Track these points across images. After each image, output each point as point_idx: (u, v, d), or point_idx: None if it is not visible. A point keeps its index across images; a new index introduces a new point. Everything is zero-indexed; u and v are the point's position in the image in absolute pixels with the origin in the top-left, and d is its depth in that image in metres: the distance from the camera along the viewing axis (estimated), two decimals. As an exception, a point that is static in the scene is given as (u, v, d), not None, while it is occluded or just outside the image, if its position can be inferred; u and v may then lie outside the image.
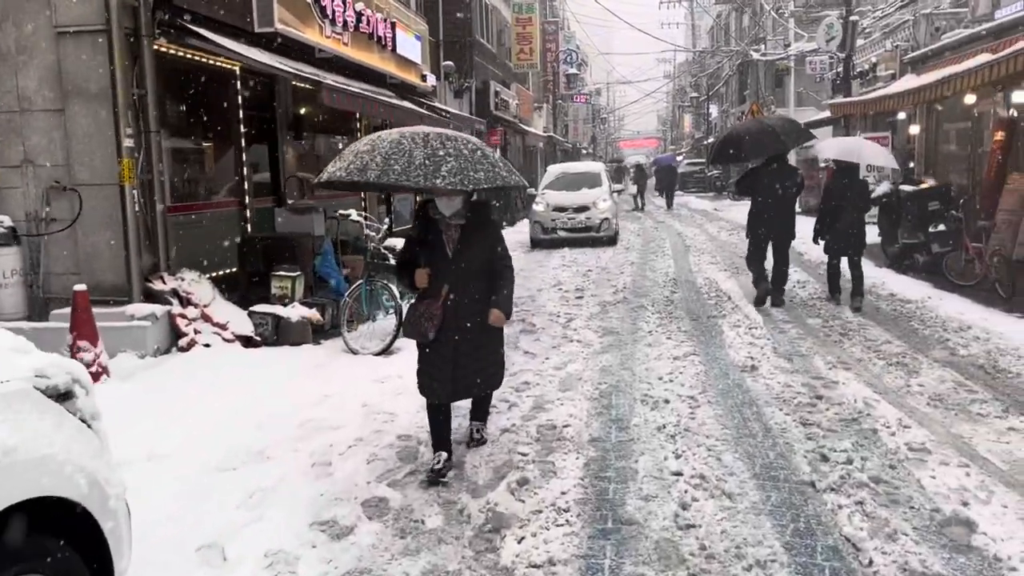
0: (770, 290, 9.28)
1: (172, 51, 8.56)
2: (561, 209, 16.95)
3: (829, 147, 10.53)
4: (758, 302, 9.28)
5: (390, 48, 13.99)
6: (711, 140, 49.37)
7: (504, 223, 23.33)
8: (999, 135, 11.34)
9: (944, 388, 5.93)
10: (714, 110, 51.00)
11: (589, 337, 8.07)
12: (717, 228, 20.71)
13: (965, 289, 9.69)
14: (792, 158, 26.85)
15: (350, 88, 10.92)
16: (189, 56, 8.89)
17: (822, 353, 7.08)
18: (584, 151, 62.46)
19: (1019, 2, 12.26)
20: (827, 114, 26.32)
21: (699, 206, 31.14)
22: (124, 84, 7.46)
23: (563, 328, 8.57)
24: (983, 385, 5.98)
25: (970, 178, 13.58)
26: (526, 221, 18.20)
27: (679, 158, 59.62)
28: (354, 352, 7.69)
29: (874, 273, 10.98)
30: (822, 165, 25.73)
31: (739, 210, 28.20)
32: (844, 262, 9.34)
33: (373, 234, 7.75)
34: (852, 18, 17.82)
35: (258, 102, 10.60)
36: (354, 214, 7.69)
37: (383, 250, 7.72)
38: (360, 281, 7.77)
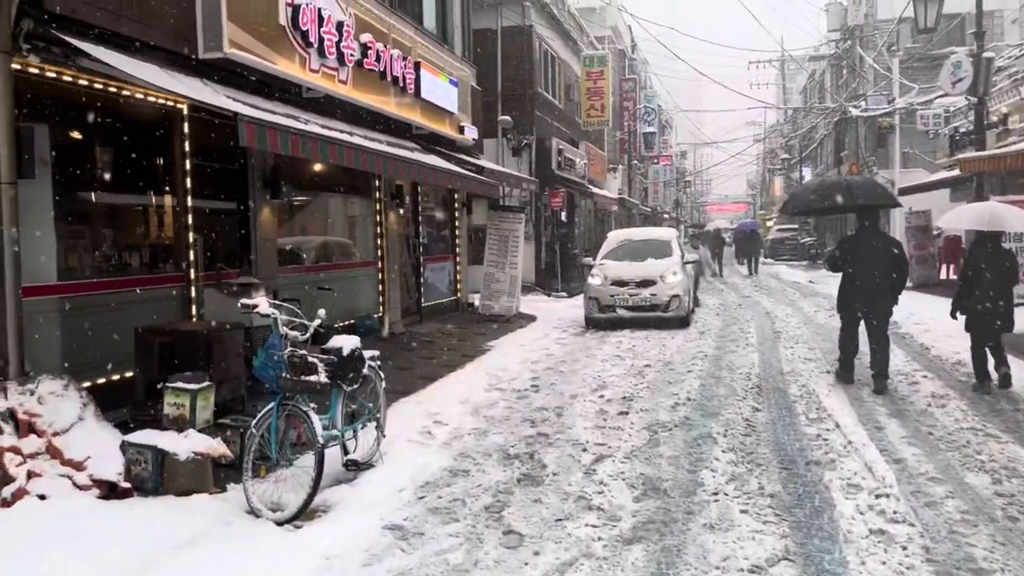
0: (853, 379, 8.71)
1: (66, 77, 6.35)
2: (621, 283, 14.17)
3: (962, 215, 9.65)
4: (841, 379, 8.76)
5: (412, 92, 11.70)
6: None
7: (558, 290, 20.63)
8: None
9: None
10: (807, 173, 47.48)
11: (619, 500, 5.22)
12: (813, 307, 17.47)
13: None
14: (899, 227, 23.42)
15: (338, 137, 8.56)
16: (98, 86, 6.66)
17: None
18: (666, 215, 59.50)
19: None
20: (941, 175, 22.93)
21: (791, 277, 27.75)
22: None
23: (583, 476, 5.74)
24: None
25: None
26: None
27: (768, 223, 56.03)
28: (255, 514, 5.07)
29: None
30: (935, 234, 22.31)
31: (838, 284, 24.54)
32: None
33: (296, 333, 5.23)
34: (986, 54, 14.65)
35: (219, 151, 8.33)
36: (264, 305, 5.17)
37: (309, 358, 5.15)
38: (269, 405, 5.18)
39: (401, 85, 11.30)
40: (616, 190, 34.24)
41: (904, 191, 22.21)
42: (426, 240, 14.74)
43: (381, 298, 12.55)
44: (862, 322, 8.54)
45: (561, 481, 5.65)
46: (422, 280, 14.22)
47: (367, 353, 6.08)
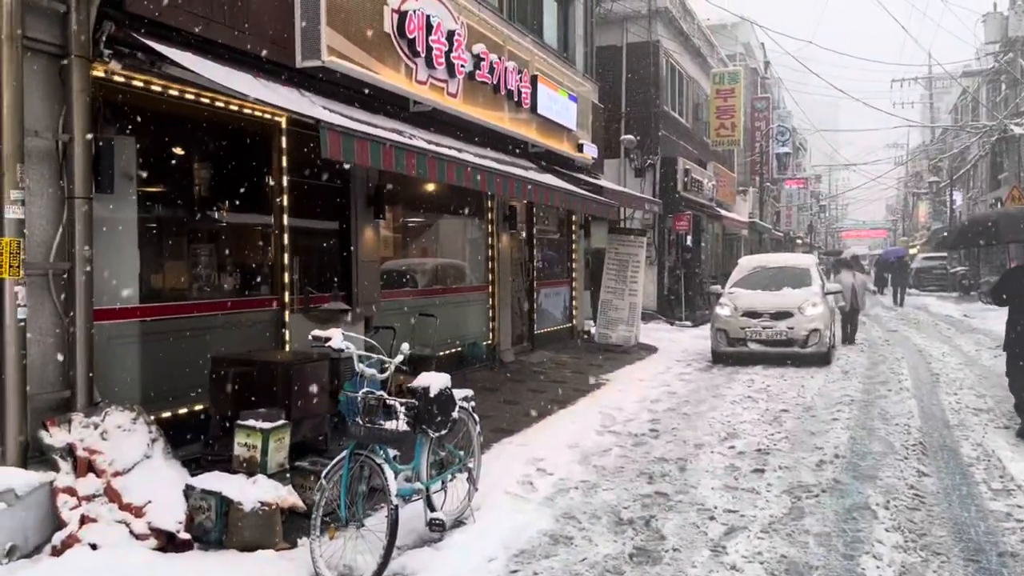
0: None
1: (154, 87, 5.97)
2: (753, 315, 12.90)
3: None
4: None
5: (527, 107, 11.00)
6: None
7: (682, 319, 19.37)
8: None
9: None
10: (958, 197, 43.90)
11: (756, 593, 4.20)
12: (973, 345, 15.53)
13: None
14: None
15: (440, 151, 7.91)
16: (189, 97, 6.26)
17: None
18: (799, 241, 56.57)
19: None
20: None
21: (941, 310, 25.28)
22: (12, 119, 4.82)
23: (711, 556, 4.73)
24: None
25: None
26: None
27: (912, 250, 52.27)
28: (320, 582, 4.36)
29: None
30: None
31: (1000, 317, 21.90)
32: None
33: (373, 371, 4.50)
34: None
35: (319, 167, 7.85)
36: (337, 338, 4.44)
37: (388, 401, 4.40)
38: (342, 455, 4.46)
39: (516, 100, 10.62)
40: (746, 213, 32.53)
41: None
42: (540, 264, 13.98)
43: (491, 324, 11.85)
44: None
45: (683, 561, 4.66)
46: (535, 306, 13.44)
47: (459, 393, 5.30)
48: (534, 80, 11.13)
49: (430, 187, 10.34)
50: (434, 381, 4.99)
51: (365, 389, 4.51)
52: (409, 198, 10.02)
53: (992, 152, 37.07)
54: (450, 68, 8.84)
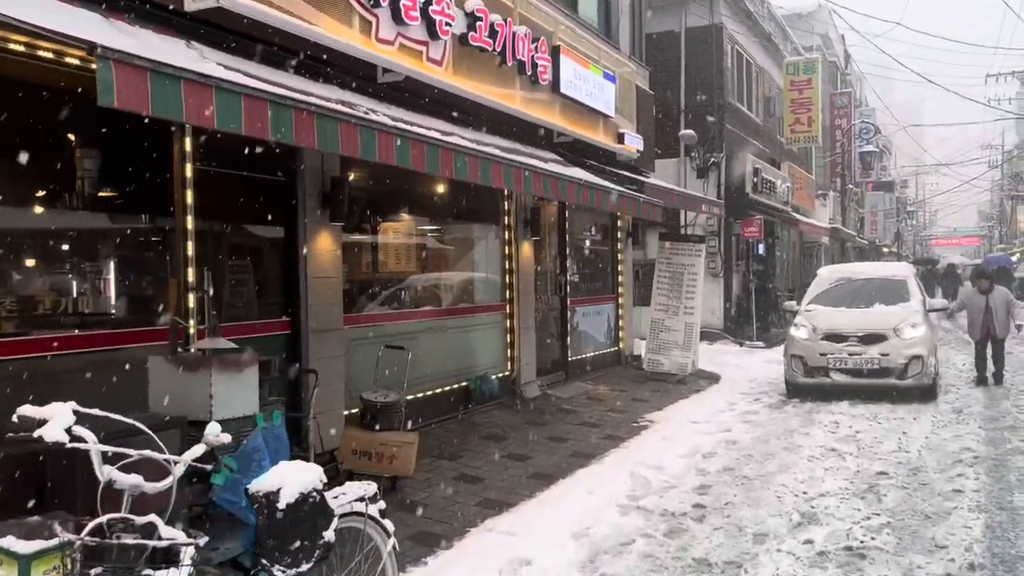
0: None
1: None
2: (837, 338, 10.45)
3: None
4: None
5: (546, 83, 8.91)
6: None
7: (753, 339, 16.84)
8: None
9: None
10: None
11: None
12: (1115, 371, 12.67)
13: None
14: None
15: (408, 129, 5.89)
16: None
17: None
18: (885, 250, 52.64)
19: None
20: None
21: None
22: None
23: None
24: None
25: None
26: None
27: (1013, 258, 47.93)
28: None
29: None
30: None
31: None
32: None
33: (139, 479, 2.53)
34: None
35: (251, 154, 5.89)
36: (53, 426, 2.51)
37: (161, 542, 2.40)
38: None
39: (531, 75, 8.53)
40: (826, 219, 29.57)
41: None
42: (576, 277, 11.82)
43: (509, 352, 9.76)
44: None
45: None
46: (569, 328, 11.28)
47: (350, 493, 3.24)
48: (555, 52, 9.04)
49: (422, 185, 8.34)
50: (290, 480, 2.95)
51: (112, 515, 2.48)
52: (390, 197, 8.03)
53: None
54: (430, 26, 6.83)
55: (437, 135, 6.24)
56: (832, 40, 34.24)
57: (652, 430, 8.71)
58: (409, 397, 7.34)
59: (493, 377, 9.03)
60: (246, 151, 5.57)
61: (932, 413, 9.35)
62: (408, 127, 5.88)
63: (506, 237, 9.73)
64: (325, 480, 3.08)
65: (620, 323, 13.09)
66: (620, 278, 13.10)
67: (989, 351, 11.34)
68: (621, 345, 13.10)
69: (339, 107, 5.20)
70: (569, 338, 11.32)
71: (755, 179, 18.39)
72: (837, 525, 5.38)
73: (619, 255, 13.08)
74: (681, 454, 7.53)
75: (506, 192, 9.54)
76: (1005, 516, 5.44)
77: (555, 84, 9.09)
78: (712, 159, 17.80)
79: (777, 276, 22.87)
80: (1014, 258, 48.11)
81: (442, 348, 8.43)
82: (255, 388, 4.37)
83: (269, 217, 6.42)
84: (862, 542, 5.04)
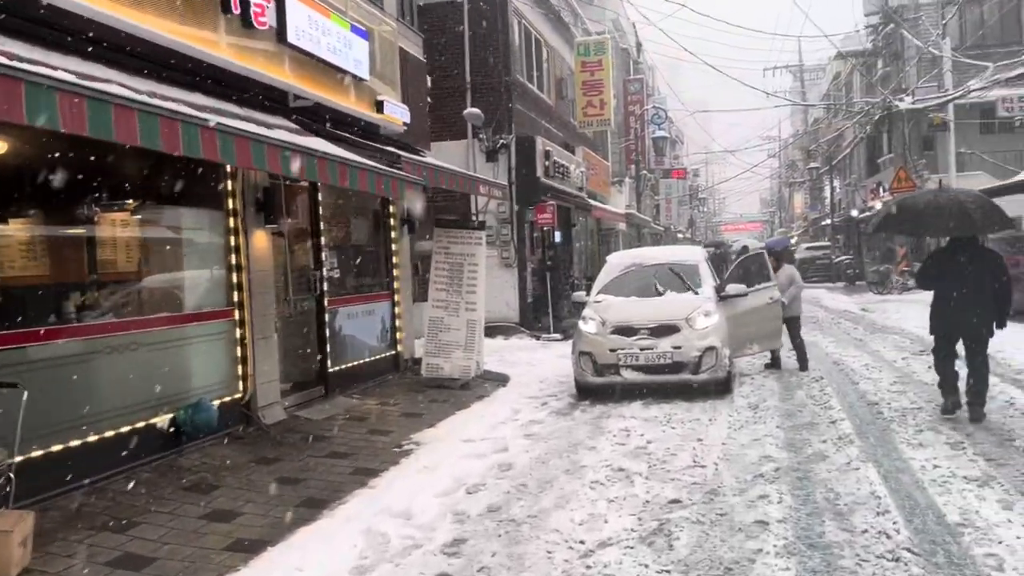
0: (960, 402, 7.56)
1: None
2: (628, 331, 9.40)
3: None
4: (946, 410, 7.57)
5: (269, 30, 7.06)
6: (834, 219, 40.98)
7: (550, 331, 15.78)
8: None
9: None
10: (836, 185, 42.62)
11: None
12: (893, 349, 12.66)
13: None
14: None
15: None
16: None
17: None
18: (680, 235, 54.75)
19: None
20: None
21: (836, 304, 22.89)
22: None
23: None
24: None
25: None
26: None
27: (792, 240, 51.21)
28: None
29: None
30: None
31: (899, 310, 19.68)
32: None
33: None
34: None
35: None
36: None
37: None
38: None
39: (239, 13, 6.65)
40: (623, 206, 29.53)
41: (990, 193, 17.31)
42: (337, 272, 10.04)
43: (241, 368, 7.82)
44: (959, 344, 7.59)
45: None
46: (329, 333, 9.50)
47: None
48: (278, -9, 7.21)
49: (95, 152, 6.21)
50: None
51: None
52: (43, 171, 5.86)
53: (869, 137, 35.66)
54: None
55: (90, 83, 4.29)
56: (624, 28, 34.44)
57: (415, 456, 7.14)
58: (59, 447, 5.34)
59: (212, 403, 7.08)
60: None
61: (728, 411, 8.44)
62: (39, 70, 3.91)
63: (231, 225, 7.77)
64: None
65: (397, 323, 11.46)
66: (395, 272, 11.45)
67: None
68: (399, 348, 11.47)
69: None
70: (329, 345, 9.53)
71: (547, 162, 17.38)
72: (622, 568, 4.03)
73: (393, 245, 11.42)
74: (440, 491, 6.01)
75: (229, 168, 7.60)
76: (818, 560, 4.31)
77: (280, 32, 7.26)
78: (501, 141, 16.58)
79: (575, 264, 22.19)
80: (793, 240, 51.43)
81: (131, 373, 6.38)
82: None
83: None
84: (648, 622, 3.70)
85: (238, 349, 7.82)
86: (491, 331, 16.22)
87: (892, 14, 27.03)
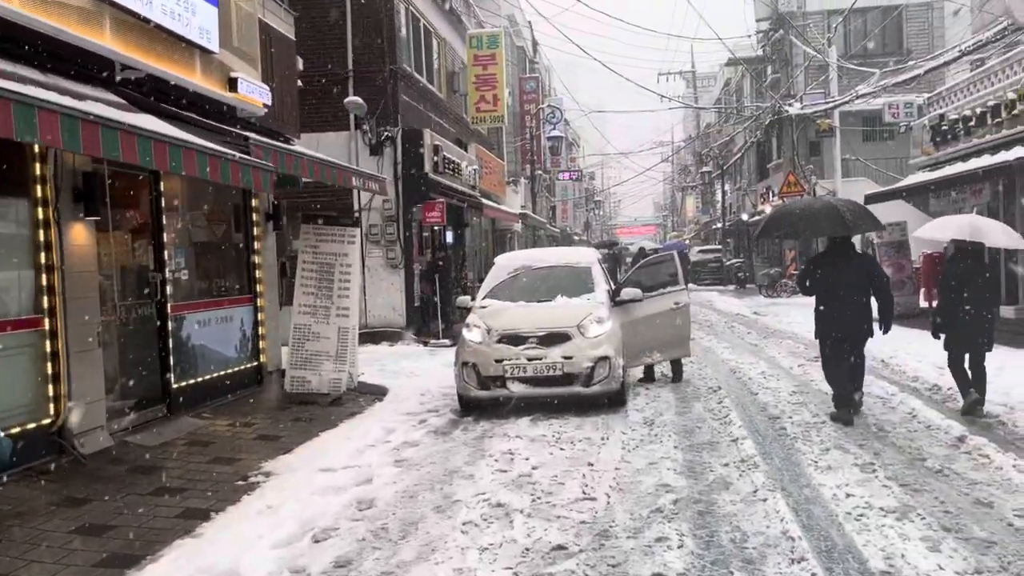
0: (851, 416, 7.46)
1: None
2: (515, 340, 8.55)
3: (948, 225, 8.39)
4: (839, 419, 7.42)
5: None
6: (726, 223, 41.63)
7: (439, 336, 14.80)
8: None
9: None
10: (727, 189, 43.33)
11: None
12: (788, 354, 12.35)
13: None
14: (859, 243, 18.72)
15: None
16: None
17: None
18: (576, 237, 54.73)
19: None
20: (919, 177, 18.36)
21: (728, 307, 22.86)
22: None
23: None
24: None
25: None
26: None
27: (686, 242, 51.96)
28: None
29: None
30: (916, 256, 17.70)
31: (789, 313, 19.69)
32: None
33: None
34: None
35: None
36: None
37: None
38: None
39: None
40: (518, 206, 28.84)
41: (871, 199, 17.46)
42: (185, 274, 8.78)
43: (53, 389, 6.52)
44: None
45: None
46: (173, 343, 8.24)
47: None
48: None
49: None
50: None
51: None
52: None
53: (759, 142, 36.29)
54: None
55: None
56: (520, 25, 33.83)
57: (259, 492, 6.05)
58: None
59: (2, 434, 5.78)
60: None
61: (621, 428, 7.69)
62: None
63: (40, 217, 6.47)
64: None
65: (261, 331, 10.24)
66: (259, 273, 10.23)
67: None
68: (263, 359, 10.26)
69: None
70: (173, 357, 8.27)
71: (436, 158, 16.40)
72: None
73: (256, 243, 10.19)
74: (281, 539, 4.96)
75: (37, 149, 6.31)
76: (709, 548, 3.52)
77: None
78: (386, 133, 15.53)
79: (468, 266, 21.29)
80: (687, 241, 52.19)
81: None
82: None
83: None
84: None
85: (48, 365, 6.52)
86: (376, 337, 15.16)
87: (783, 18, 27.35)
